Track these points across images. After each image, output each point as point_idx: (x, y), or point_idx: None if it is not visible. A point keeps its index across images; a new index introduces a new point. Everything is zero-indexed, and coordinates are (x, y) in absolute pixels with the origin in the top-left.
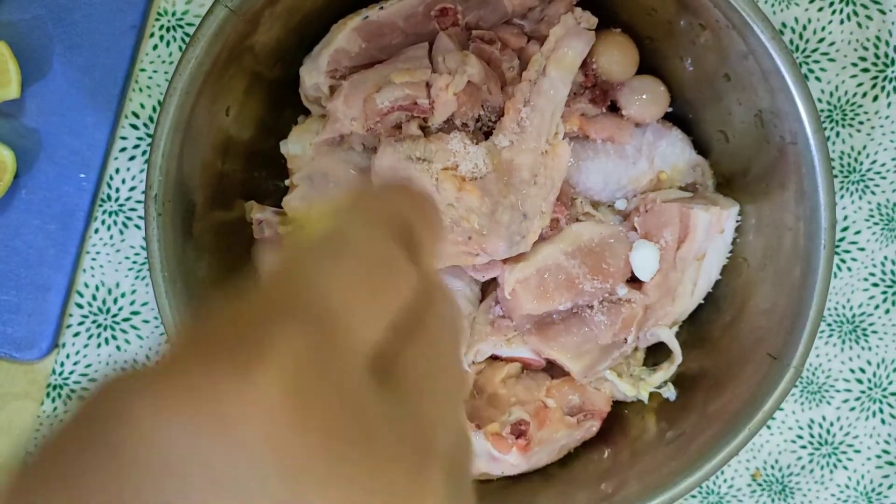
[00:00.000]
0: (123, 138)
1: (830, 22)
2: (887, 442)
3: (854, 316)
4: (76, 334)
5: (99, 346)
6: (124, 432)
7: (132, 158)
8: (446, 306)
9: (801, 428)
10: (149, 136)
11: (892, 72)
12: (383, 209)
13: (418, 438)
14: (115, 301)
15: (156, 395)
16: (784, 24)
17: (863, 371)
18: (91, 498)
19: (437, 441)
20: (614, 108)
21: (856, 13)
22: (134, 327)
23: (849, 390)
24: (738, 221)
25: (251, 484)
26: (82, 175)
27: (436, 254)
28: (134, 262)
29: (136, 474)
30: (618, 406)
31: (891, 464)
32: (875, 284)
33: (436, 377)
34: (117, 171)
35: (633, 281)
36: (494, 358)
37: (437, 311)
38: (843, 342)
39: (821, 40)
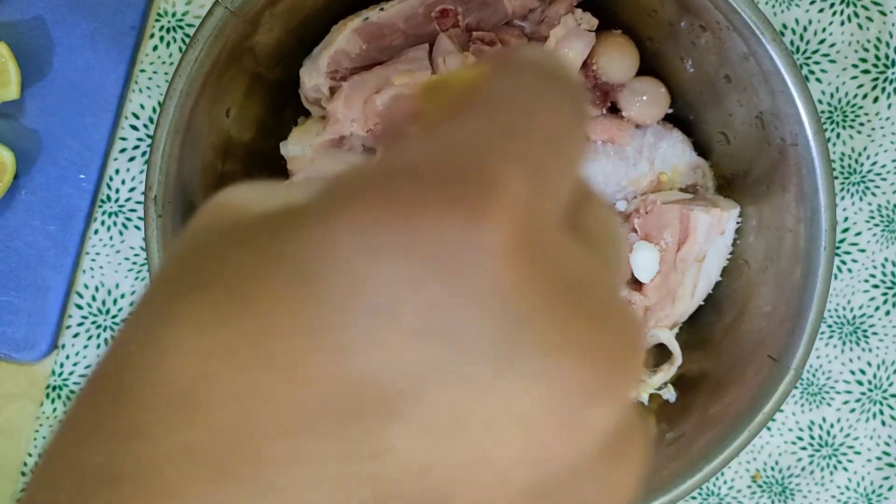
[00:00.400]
0: (123, 139)
1: (831, 23)
2: (887, 444)
3: (854, 317)
4: (76, 335)
5: (98, 346)
6: (329, 270)
7: (132, 159)
8: (599, 194)
9: (801, 430)
10: (149, 136)
11: (893, 73)
12: (548, 79)
13: (624, 305)
14: (115, 302)
15: (369, 223)
16: (785, 26)
17: (863, 373)
18: (273, 326)
19: (632, 317)
20: (614, 110)
21: (856, 14)
22: None
23: (849, 392)
24: (738, 223)
25: (473, 336)
26: (82, 176)
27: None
28: (133, 263)
29: (331, 310)
30: None
31: (891, 465)
32: (875, 286)
33: (613, 233)
34: (117, 171)
35: (633, 282)
36: None
37: (596, 193)
38: (844, 344)
39: (821, 41)
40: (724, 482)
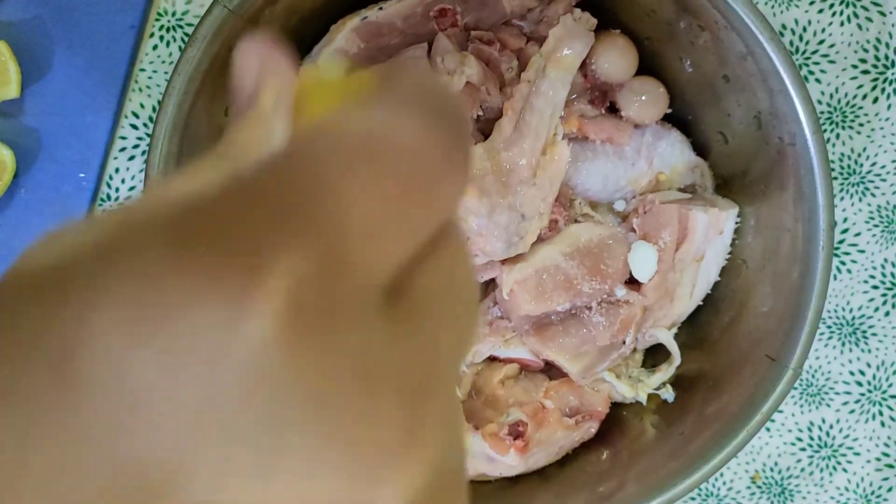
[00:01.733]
0: (123, 138)
1: (830, 24)
2: (887, 444)
3: (854, 318)
4: None
5: None
6: (85, 362)
7: (132, 158)
8: (461, 235)
9: (800, 430)
10: (148, 135)
11: (893, 74)
12: (430, 108)
13: (420, 382)
14: None
15: (131, 308)
16: (784, 26)
17: (862, 373)
18: (38, 422)
19: (438, 389)
20: (613, 110)
21: (856, 15)
22: None
23: (848, 393)
24: (736, 223)
25: (237, 430)
26: (82, 174)
27: (466, 180)
28: None
29: (96, 410)
30: (616, 407)
31: (890, 466)
32: (875, 287)
33: (450, 308)
34: (117, 170)
35: (632, 282)
36: (492, 359)
37: (456, 235)
38: (843, 344)
39: (821, 42)
40: (724, 483)
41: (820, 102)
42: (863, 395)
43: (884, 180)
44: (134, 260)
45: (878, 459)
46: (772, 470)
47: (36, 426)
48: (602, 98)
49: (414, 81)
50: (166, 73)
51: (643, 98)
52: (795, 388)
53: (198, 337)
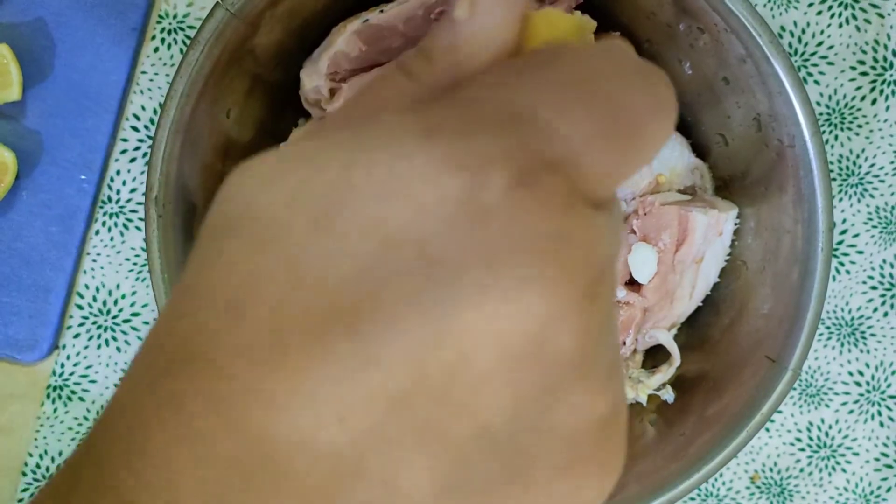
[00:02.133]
0: (124, 140)
1: (829, 25)
2: (885, 445)
3: (853, 319)
4: (76, 336)
5: (99, 347)
6: (340, 204)
7: (133, 160)
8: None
9: (799, 431)
10: (149, 138)
11: (891, 75)
12: (644, 65)
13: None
14: (116, 303)
15: (381, 171)
16: (783, 28)
17: (861, 374)
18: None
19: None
20: None
21: (854, 17)
22: (134, 329)
23: (847, 393)
24: (736, 224)
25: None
26: (83, 177)
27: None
28: (134, 264)
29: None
30: None
31: (889, 467)
32: (874, 287)
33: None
34: (118, 172)
35: (632, 283)
36: None
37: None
38: (842, 345)
39: (819, 44)
40: (723, 483)
41: (819, 104)
42: (862, 395)
43: (882, 181)
44: (387, 143)
45: (877, 459)
46: (771, 470)
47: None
48: None
49: (627, 51)
50: (167, 75)
51: None
52: (794, 389)
53: (443, 193)
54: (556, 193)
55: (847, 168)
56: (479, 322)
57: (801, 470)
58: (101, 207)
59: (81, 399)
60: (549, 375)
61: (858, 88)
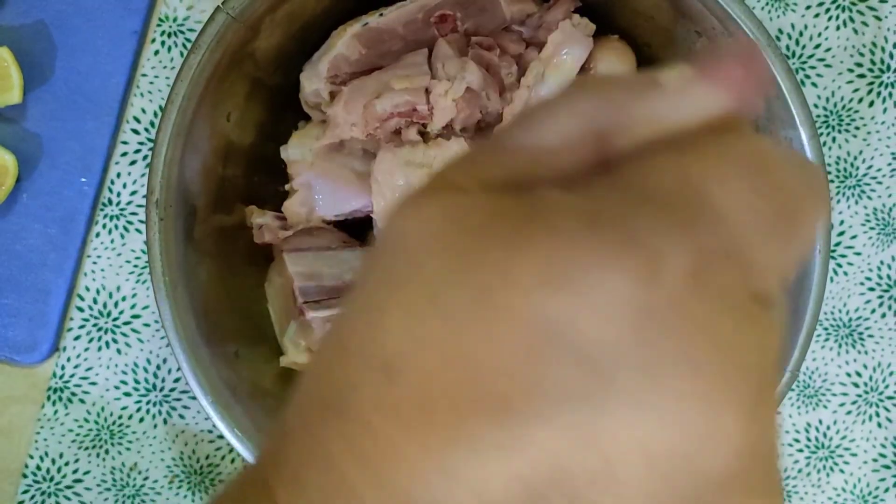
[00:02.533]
0: (124, 143)
1: (826, 28)
2: (883, 446)
3: (851, 320)
4: (77, 338)
5: (99, 349)
6: (506, 294)
7: (133, 163)
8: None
9: (797, 431)
10: (150, 140)
11: (888, 77)
12: (798, 154)
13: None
14: (116, 305)
15: (541, 264)
16: (780, 31)
17: (859, 375)
18: (462, 324)
19: (776, 380)
20: None
21: (852, 19)
22: (134, 331)
23: (845, 394)
24: None
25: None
26: (83, 179)
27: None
28: (135, 266)
29: (509, 330)
30: None
31: (887, 467)
32: (871, 289)
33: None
34: (118, 175)
35: None
36: None
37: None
38: (840, 346)
39: (817, 46)
40: None
41: (816, 106)
42: (860, 396)
43: (879, 183)
44: (549, 227)
45: (875, 460)
46: None
47: (460, 325)
48: None
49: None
50: (168, 78)
51: None
52: (793, 390)
53: (609, 288)
54: (729, 292)
55: (845, 170)
56: (629, 433)
57: (800, 471)
58: (102, 210)
59: (82, 401)
60: (700, 493)
61: (856, 91)
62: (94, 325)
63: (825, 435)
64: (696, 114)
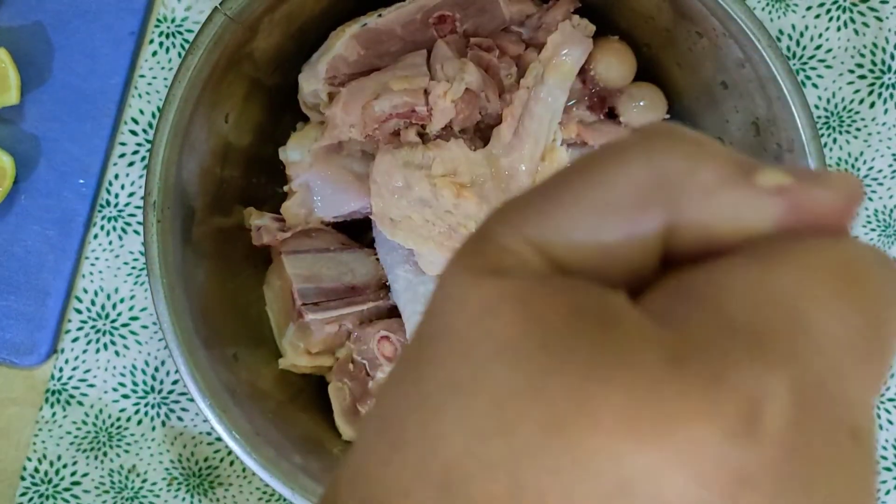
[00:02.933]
0: (122, 144)
1: (827, 29)
2: (884, 448)
3: None
4: (75, 339)
5: (97, 351)
6: (582, 437)
7: (131, 164)
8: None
9: None
10: (148, 141)
11: (889, 79)
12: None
13: None
14: (114, 306)
15: (625, 406)
16: (781, 31)
17: None
18: (523, 448)
19: None
20: (612, 115)
21: (853, 20)
22: (133, 332)
23: None
24: None
25: None
26: (81, 181)
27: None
28: (133, 268)
29: (581, 483)
30: None
31: (888, 469)
32: None
33: None
34: (116, 176)
35: None
36: None
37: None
38: None
39: (818, 47)
40: None
41: (817, 107)
42: None
43: (881, 184)
44: (631, 360)
45: (876, 462)
46: None
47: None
48: (601, 104)
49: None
50: (166, 79)
51: (642, 104)
52: None
53: (699, 443)
54: (832, 437)
55: (845, 171)
56: None
57: None
58: (100, 211)
59: (80, 403)
60: None
61: (857, 92)
62: (93, 326)
63: None
64: (783, 225)
